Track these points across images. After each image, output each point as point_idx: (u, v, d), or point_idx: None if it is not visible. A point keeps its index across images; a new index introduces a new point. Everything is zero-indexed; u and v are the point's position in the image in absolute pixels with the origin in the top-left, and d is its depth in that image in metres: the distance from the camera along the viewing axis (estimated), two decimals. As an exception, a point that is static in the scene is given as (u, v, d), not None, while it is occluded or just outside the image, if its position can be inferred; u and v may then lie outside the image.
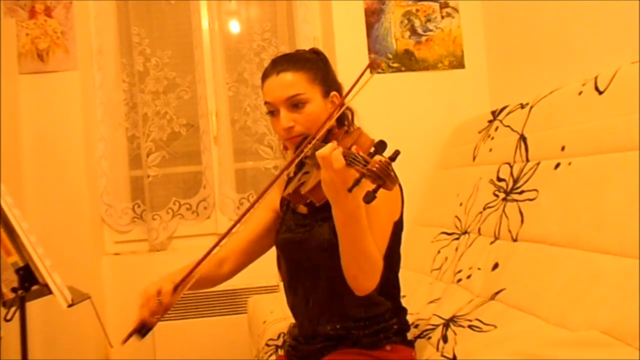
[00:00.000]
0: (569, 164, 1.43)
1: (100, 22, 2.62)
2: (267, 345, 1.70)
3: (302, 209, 1.30)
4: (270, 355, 1.66)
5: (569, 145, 1.47)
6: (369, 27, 2.54)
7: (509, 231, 1.58)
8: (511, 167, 1.71)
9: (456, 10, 2.58)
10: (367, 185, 0.87)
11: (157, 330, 2.43)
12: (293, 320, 1.38)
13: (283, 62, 1.26)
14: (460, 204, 1.96)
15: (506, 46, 2.42)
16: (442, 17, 2.58)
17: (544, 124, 1.62)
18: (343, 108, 1.22)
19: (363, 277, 1.09)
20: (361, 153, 0.92)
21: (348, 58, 2.49)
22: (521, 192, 1.60)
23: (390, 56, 2.54)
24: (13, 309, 1.49)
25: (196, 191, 2.69)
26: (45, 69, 2.44)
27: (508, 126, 1.83)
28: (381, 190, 0.87)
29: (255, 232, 1.37)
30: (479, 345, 1.28)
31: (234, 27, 2.79)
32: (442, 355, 1.32)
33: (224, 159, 2.66)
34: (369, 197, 0.86)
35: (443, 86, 2.56)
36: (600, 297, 1.13)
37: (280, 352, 1.61)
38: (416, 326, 1.52)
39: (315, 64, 1.27)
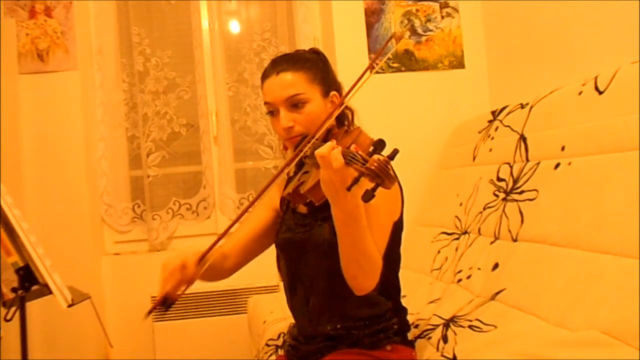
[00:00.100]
0: (569, 164, 1.43)
1: (100, 22, 2.62)
2: (267, 345, 1.70)
3: (302, 209, 1.30)
4: (270, 355, 1.66)
5: (569, 145, 1.47)
6: (369, 27, 2.54)
7: (509, 231, 1.58)
8: (511, 167, 1.71)
9: (456, 10, 2.58)
10: (366, 184, 0.87)
11: (157, 330, 2.46)
12: (293, 320, 1.38)
13: (283, 62, 1.26)
14: (460, 204, 1.96)
15: (506, 46, 2.42)
16: (442, 17, 2.58)
17: (544, 124, 1.62)
18: (342, 107, 1.22)
19: (362, 277, 1.09)
20: (360, 152, 0.92)
21: (348, 58, 2.49)
22: (521, 192, 1.60)
23: (391, 56, 2.54)
24: (13, 309, 1.49)
25: (196, 191, 2.69)
26: (45, 69, 2.44)
27: (508, 126, 1.83)
28: (380, 189, 0.87)
29: (254, 231, 1.37)
30: (479, 345, 1.28)
31: (234, 27, 2.79)
32: (442, 355, 1.32)
33: (224, 159, 2.66)
34: (368, 196, 0.86)
35: (443, 86, 2.56)
36: (600, 297, 1.13)
37: (280, 352, 1.61)
38: (416, 326, 1.52)
39: (314, 64, 1.27)
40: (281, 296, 1.44)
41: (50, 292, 1.48)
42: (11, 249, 1.50)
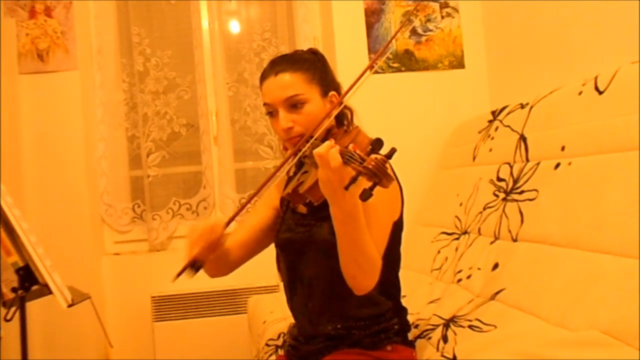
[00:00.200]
0: (569, 164, 1.43)
1: (100, 22, 2.62)
2: (267, 345, 1.70)
3: (302, 209, 1.30)
4: (270, 355, 1.66)
5: (569, 145, 1.47)
6: (369, 27, 2.54)
7: (509, 231, 1.58)
8: (511, 167, 1.71)
9: (456, 10, 2.58)
10: (364, 184, 0.87)
11: (157, 330, 2.46)
12: (293, 320, 1.38)
13: (281, 63, 1.26)
14: (460, 204, 1.96)
15: (506, 46, 2.42)
16: (442, 17, 2.58)
17: (544, 124, 1.62)
18: (341, 106, 1.22)
19: (362, 276, 1.09)
20: (358, 151, 0.92)
21: (348, 58, 2.49)
22: (521, 192, 1.59)
23: (391, 56, 2.54)
24: (13, 309, 1.49)
25: (196, 191, 2.69)
26: (45, 69, 2.44)
27: (508, 126, 1.82)
28: (379, 188, 0.87)
29: (254, 229, 1.37)
30: (479, 345, 1.27)
31: (234, 27, 2.79)
32: (442, 355, 1.32)
33: (224, 159, 2.66)
34: (366, 195, 0.86)
35: (443, 86, 2.56)
36: (600, 297, 1.13)
37: (280, 352, 1.61)
38: (416, 326, 1.52)
39: (313, 64, 1.27)
40: (281, 296, 1.44)
41: (50, 292, 1.48)
42: (11, 249, 1.50)
